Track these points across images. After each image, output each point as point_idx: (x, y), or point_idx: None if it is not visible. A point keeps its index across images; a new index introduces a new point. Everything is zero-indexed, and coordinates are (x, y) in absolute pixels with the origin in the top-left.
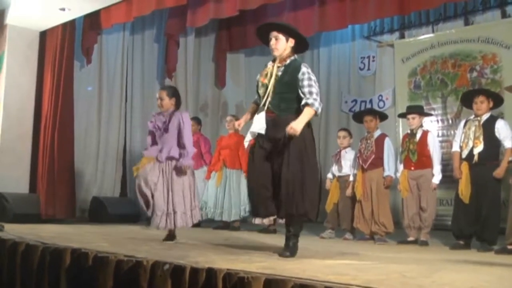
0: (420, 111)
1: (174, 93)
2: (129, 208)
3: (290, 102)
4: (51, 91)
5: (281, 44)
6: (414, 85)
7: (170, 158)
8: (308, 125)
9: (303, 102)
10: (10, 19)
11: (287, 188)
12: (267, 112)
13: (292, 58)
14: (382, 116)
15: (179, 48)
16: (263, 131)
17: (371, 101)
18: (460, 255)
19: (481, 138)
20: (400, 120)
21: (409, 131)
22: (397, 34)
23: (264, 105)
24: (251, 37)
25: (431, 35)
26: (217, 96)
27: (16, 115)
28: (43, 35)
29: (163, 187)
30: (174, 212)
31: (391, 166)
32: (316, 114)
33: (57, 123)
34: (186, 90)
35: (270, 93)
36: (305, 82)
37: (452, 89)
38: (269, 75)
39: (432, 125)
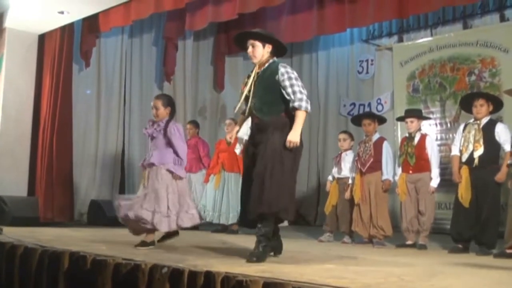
0: (419, 115)
1: (169, 102)
2: None
3: (272, 105)
4: (50, 94)
5: (258, 51)
6: (412, 88)
7: (151, 164)
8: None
9: (290, 105)
10: (9, 22)
11: (254, 187)
12: (252, 117)
13: (271, 61)
14: (381, 120)
15: (177, 51)
16: (246, 136)
17: (369, 104)
18: (458, 259)
19: (481, 142)
20: (399, 123)
21: (407, 135)
22: (395, 37)
23: (247, 111)
24: None
25: (430, 38)
26: (216, 99)
27: (14, 118)
28: (42, 38)
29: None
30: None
31: (390, 170)
32: (307, 113)
33: (56, 126)
34: (184, 94)
35: (251, 99)
36: (286, 83)
37: (451, 92)
38: (249, 82)
39: (430, 129)
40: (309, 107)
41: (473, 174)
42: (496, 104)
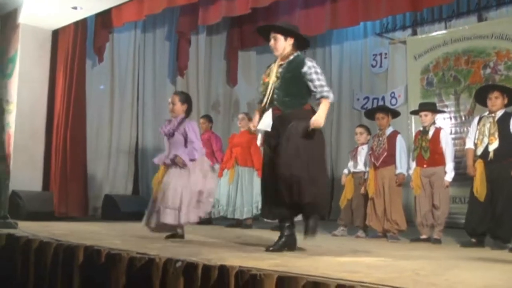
0: (433, 108)
1: (186, 99)
2: (141, 206)
3: (295, 97)
4: (64, 89)
5: (280, 44)
6: (426, 82)
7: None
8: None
9: (318, 96)
10: (22, 18)
11: (285, 182)
12: (273, 109)
13: (295, 54)
14: (394, 114)
15: (190, 46)
16: (269, 128)
17: (383, 98)
18: (473, 253)
19: (496, 135)
20: (413, 117)
21: (421, 128)
22: (409, 30)
23: (266, 103)
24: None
25: (444, 31)
26: (229, 94)
27: (28, 114)
28: (55, 34)
29: (168, 186)
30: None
31: (403, 164)
32: (331, 104)
33: (70, 122)
34: (197, 88)
35: (274, 90)
36: (314, 76)
37: (465, 86)
38: (271, 73)
39: (445, 122)
40: (333, 99)
41: (488, 168)
42: (510, 97)
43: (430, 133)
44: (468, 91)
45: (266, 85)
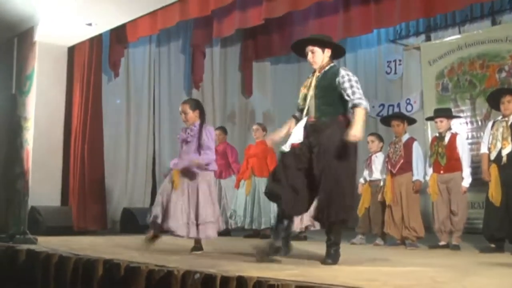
0: (448, 114)
1: (196, 105)
2: None
3: (330, 106)
4: (80, 105)
5: (318, 57)
6: (441, 87)
7: (185, 168)
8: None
9: (350, 104)
10: (38, 36)
11: (324, 194)
12: (308, 118)
13: (331, 64)
14: (410, 120)
15: (205, 58)
16: (298, 141)
17: (398, 105)
18: (493, 259)
19: (509, 139)
20: (429, 123)
21: (437, 134)
22: (423, 36)
23: (305, 113)
24: (277, 46)
25: (458, 36)
26: (244, 105)
27: (46, 130)
28: (71, 50)
29: (182, 197)
30: (198, 224)
31: (420, 171)
32: (367, 112)
33: (87, 137)
34: (213, 100)
35: (311, 99)
36: (346, 84)
37: (481, 90)
38: (309, 84)
39: (461, 128)
40: (368, 107)
41: (502, 172)
42: None
43: (446, 139)
44: (484, 96)
45: (304, 96)
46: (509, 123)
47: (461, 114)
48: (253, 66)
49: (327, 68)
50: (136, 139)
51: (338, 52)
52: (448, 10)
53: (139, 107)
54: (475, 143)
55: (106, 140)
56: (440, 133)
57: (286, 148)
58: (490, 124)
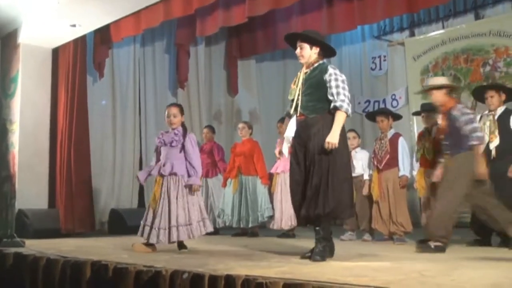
0: (434, 109)
1: (183, 111)
2: None
3: (317, 102)
4: (66, 107)
5: (306, 52)
6: (426, 82)
7: (173, 173)
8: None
9: (331, 105)
10: (22, 39)
11: (311, 189)
12: (297, 115)
13: (320, 62)
14: (395, 116)
15: (190, 57)
16: (292, 134)
17: (384, 101)
18: (480, 252)
19: (497, 133)
20: (415, 118)
21: (423, 129)
22: (407, 32)
23: (293, 109)
24: (261, 43)
25: (442, 31)
26: (230, 103)
27: (32, 132)
28: (55, 52)
29: (165, 201)
30: (178, 226)
31: (406, 166)
32: (347, 115)
33: (73, 138)
34: (199, 99)
35: (299, 96)
36: (333, 83)
37: (466, 84)
38: (297, 80)
39: None
40: (349, 110)
41: (490, 166)
42: (509, 93)
43: (433, 133)
44: (469, 90)
45: (293, 92)
46: (496, 117)
47: None
48: (238, 64)
49: (315, 65)
50: (122, 139)
51: (328, 52)
52: (431, 5)
53: (125, 108)
54: None
55: (92, 141)
56: (426, 128)
57: (285, 149)
58: (477, 118)
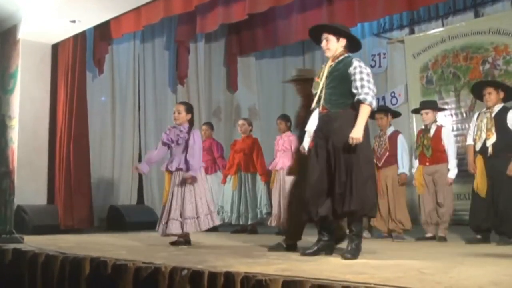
0: (433, 106)
1: (190, 109)
2: (146, 216)
3: (341, 96)
4: (65, 103)
5: (332, 45)
6: (426, 80)
7: (179, 169)
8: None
9: (355, 98)
10: (22, 34)
11: (340, 187)
12: (320, 109)
13: (346, 55)
14: (394, 113)
15: (189, 54)
16: (314, 127)
17: (383, 98)
18: (479, 250)
19: (493, 130)
20: (414, 116)
21: (423, 127)
22: (406, 30)
23: (316, 103)
24: (261, 40)
25: (441, 29)
26: (230, 100)
27: (31, 128)
28: (55, 48)
29: (174, 196)
30: (185, 218)
31: (405, 163)
32: (372, 108)
33: (72, 134)
34: (198, 96)
35: (323, 89)
36: (357, 76)
37: (465, 82)
38: (321, 73)
39: (446, 119)
40: (374, 103)
41: (487, 163)
42: (507, 91)
43: (432, 131)
44: (468, 88)
45: (317, 85)
46: (493, 114)
47: (446, 106)
48: (238, 61)
49: (340, 58)
50: (121, 135)
51: (354, 45)
52: (431, 3)
53: (124, 104)
54: (460, 135)
55: (92, 138)
56: (425, 125)
57: (305, 142)
58: (475, 115)
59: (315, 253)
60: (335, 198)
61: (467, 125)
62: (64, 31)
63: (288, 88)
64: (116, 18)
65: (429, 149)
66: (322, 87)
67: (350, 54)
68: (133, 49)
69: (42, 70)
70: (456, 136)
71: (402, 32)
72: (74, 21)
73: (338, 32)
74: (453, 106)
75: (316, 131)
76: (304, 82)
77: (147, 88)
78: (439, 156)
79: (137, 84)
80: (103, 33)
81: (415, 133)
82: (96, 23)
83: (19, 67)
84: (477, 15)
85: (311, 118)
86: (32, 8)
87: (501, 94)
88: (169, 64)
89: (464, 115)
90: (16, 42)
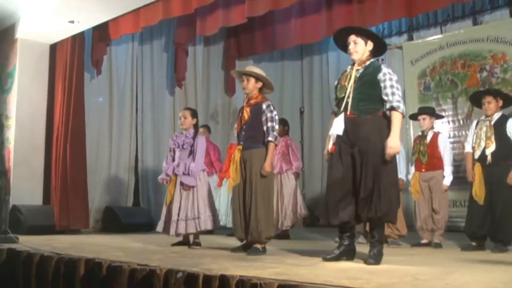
0: (431, 112)
1: (195, 115)
2: (142, 217)
3: (369, 103)
4: (62, 103)
5: (360, 47)
6: (424, 86)
7: (186, 174)
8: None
9: (387, 106)
10: (20, 33)
11: (365, 192)
12: (346, 114)
13: (372, 60)
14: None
15: (188, 56)
16: (340, 132)
17: None
18: (474, 257)
19: (493, 138)
20: (411, 122)
21: (420, 133)
22: (405, 36)
23: (343, 107)
24: (259, 44)
25: (440, 36)
26: (227, 103)
27: (28, 128)
28: (53, 47)
29: (182, 197)
30: (187, 220)
31: (402, 169)
32: (403, 116)
33: (69, 135)
34: (196, 99)
35: (350, 95)
36: (387, 83)
37: (462, 89)
38: (348, 77)
39: (443, 126)
40: (405, 111)
41: (486, 171)
42: (506, 99)
43: (428, 137)
44: (465, 95)
45: (343, 89)
46: (492, 123)
47: (443, 113)
48: (236, 64)
49: (368, 63)
50: (118, 137)
51: (378, 50)
52: (430, 9)
53: (122, 105)
54: (457, 142)
55: (88, 138)
56: (422, 132)
57: (330, 146)
58: (474, 123)
59: (336, 258)
60: (359, 203)
61: (464, 132)
62: (63, 31)
63: (285, 91)
64: (115, 19)
65: (425, 155)
66: (350, 92)
67: (375, 59)
68: (131, 50)
69: (39, 70)
70: (453, 143)
71: (400, 38)
72: (72, 22)
73: (367, 35)
74: (450, 113)
75: (341, 136)
76: (255, 81)
77: (145, 90)
78: (435, 162)
79: (134, 85)
80: (101, 34)
81: (412, 139)
82: (95, 24)
83: (17, 67)
84: (475, 23)
85: (335, 122)
86: (31, 7)
87: (500, 102)
88: (167, 66)
89: (461, 122)
90: (14, 41)
